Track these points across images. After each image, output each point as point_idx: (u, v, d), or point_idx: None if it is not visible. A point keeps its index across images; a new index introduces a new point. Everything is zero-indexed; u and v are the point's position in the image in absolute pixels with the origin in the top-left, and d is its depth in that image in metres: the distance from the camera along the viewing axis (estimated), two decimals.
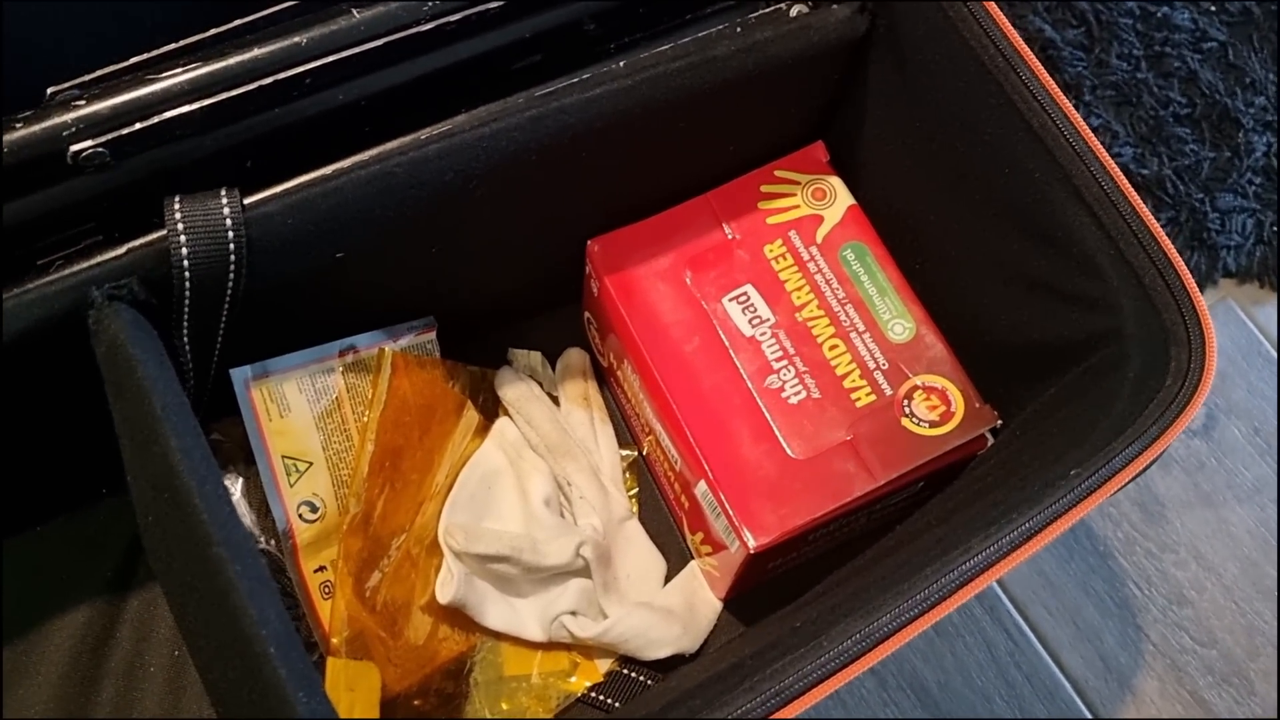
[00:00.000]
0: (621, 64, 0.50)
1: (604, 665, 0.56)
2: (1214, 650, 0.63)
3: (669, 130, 0.51)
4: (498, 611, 0.55)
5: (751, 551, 0.51)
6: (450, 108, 0.51)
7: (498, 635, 0.55)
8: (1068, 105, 0.47)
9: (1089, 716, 0.61)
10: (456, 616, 0.54)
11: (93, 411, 0.45)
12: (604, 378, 0.62)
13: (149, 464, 0.41)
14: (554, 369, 0.62)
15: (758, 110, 0.54)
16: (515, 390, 0.59)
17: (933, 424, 0.53)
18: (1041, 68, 0.48)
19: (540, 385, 0.60)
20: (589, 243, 0.56)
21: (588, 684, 0.55)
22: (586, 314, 0.61)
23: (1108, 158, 0.47)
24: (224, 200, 0.44)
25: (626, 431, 0.61)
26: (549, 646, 0.56)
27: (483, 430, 0.58)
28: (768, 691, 0.38)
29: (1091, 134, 0.47)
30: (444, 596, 0.53)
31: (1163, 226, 0.68)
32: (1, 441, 0.49)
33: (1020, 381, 0.52)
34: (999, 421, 0.53)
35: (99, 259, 0.43)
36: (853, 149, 0.58)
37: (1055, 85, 0.48)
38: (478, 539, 0.54)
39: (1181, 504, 0.66)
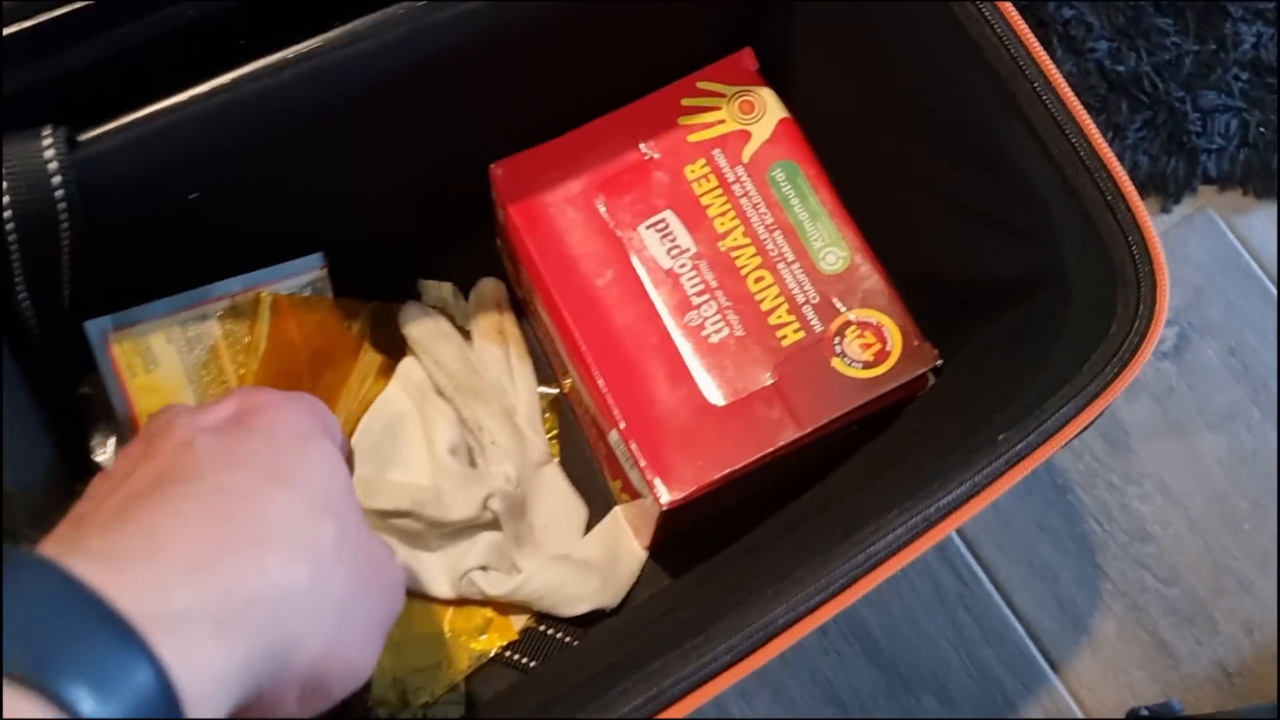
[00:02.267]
0: None
1: (519, 622, 0.52)
2: (1176, 589, 0.59)
3: (573, 41, 0.46)
4: (406, 571, 0.51)
5: (664, 507, 0.47)
6: (325, 24, 0.46)
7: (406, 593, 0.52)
8: (1013, 14, 0.41)
9: (1041, 660, 0.58)
10: None
11: None
12: (522, 310, 0.57)
13: None
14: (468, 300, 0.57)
15: (676, 14, 0.48)
16: (421, 327, 0.54)
17: (866, 364, 0.48)
18: None
19: (453, 319, 0.56)
20: (491, 166, 0.51)
21: (501, 643, 0.52)
22: (499, 242, 0.56)
23: (1055, 72, 0.41)
24: (46, 141, 0.38)
25: (547, 367, 0.57)
26: (460, 603, 0.52)
27: (386, 372, 0.54)
28: (650, 693, 0.34)
29: (1038, 45, 0.42)
30: None
31: (1138, 129, 0.62)
32: None
33: (965, 318, 0.48)
34: (939, 361, 0.49)
35: None
36: (784, 57, 0.52)
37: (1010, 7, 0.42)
38: (376, 492, 0.50)
39: (1148, 432, 0.62)
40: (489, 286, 0.57)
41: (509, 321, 0.57)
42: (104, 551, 0.28)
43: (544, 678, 0.48)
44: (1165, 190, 0.65)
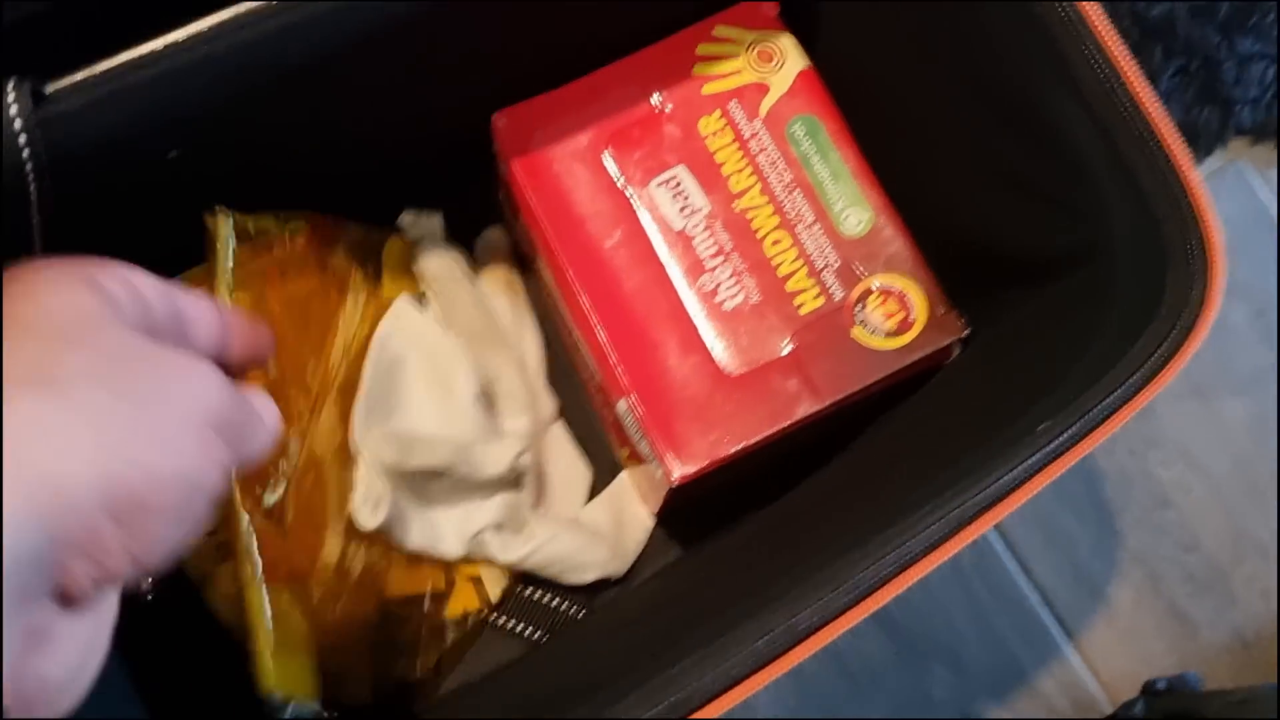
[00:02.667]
0: None
1: (494, 588, 0.50)
2: (1195, 556, 0.57)
3: None
4: (418, 529, 0.48)
5: (674, 482, 0.45)
6: None
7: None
8: None
9: (1056, 629, 0.56)
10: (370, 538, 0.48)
11: None
12: (524, 264, 0.55)
13: None
14: (473, 250, 0.54)
15: None
16: (438, 265, 0.51)
17: (889, 334, 0.46)
18: None
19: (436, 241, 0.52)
20: (494, 116, 0.48)
21: (470, 609, 0.49)
22: (501, 194, 0.53)
23: (1113, 36, 0.38)
24: (9, 95, 0.35)
25: (548, 324, 0.54)
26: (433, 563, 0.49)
27: (373, 303, 0.50)
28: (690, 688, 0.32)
29: (1098, 8, 0.38)
30: (371, 520, 0.46)
31: (1171, 76, 0.59)
32: None
33: (995, 289, 0.45)
34: (966, 331, 0.46)
35: None
36: (808, 3, 0.48)
37: None
38: (411, 450, 0.46)
39: (1171, 396, 0.59)
40: (496, 235, 0.54)
41: (515, 276, 0.54)
42: None
43: (559, 659, 0.46)
44: (1195, 142, 0.62)
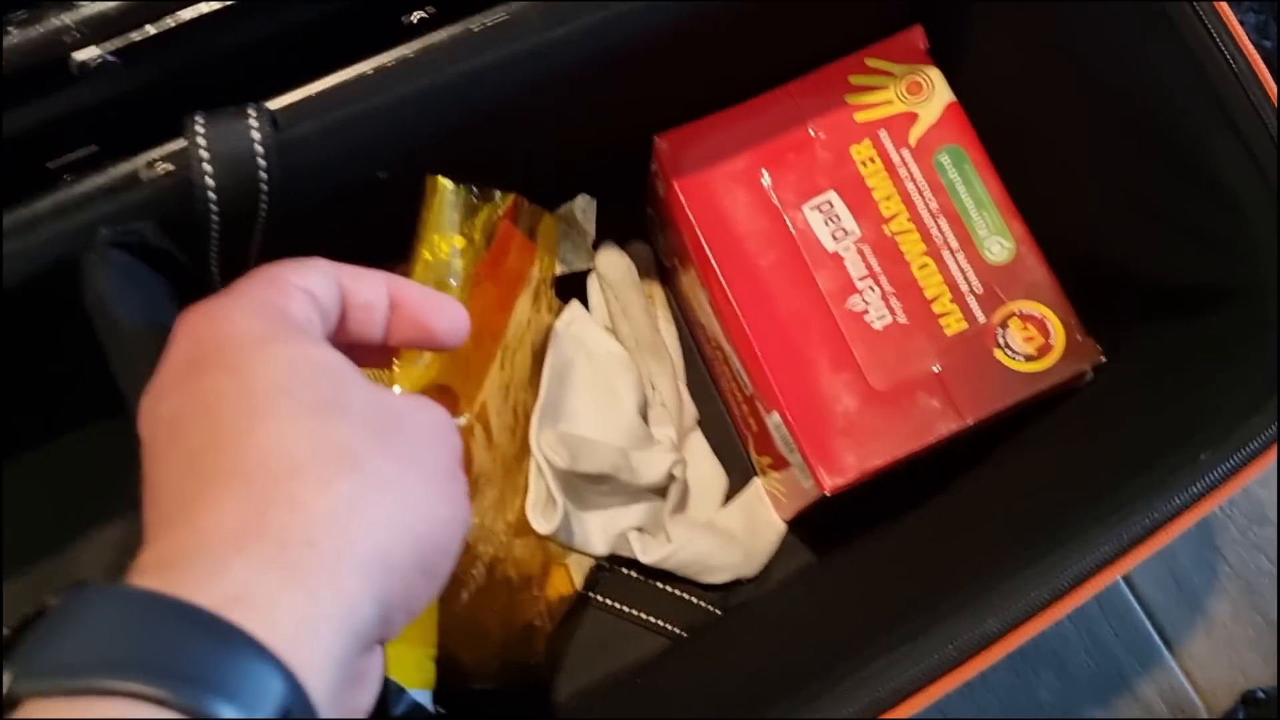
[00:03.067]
0: None
1: (579, 575, 0.52)
2: None
3: (756, 24, 0.45)
4: (570, 528, 0.51)
5: (827, 492, 0.47)
6: None
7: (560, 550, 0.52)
8: (1231, 18, 0.40)
9: (1156, 638, 0.59)
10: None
11: None
12: (665, 277, 0.57)
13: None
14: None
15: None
16: (618, 271, 0.53)
17: (1029, 357, 0.48)
18: None
19: (589, 235, 0.54)
20: (656, 139, 0.50)
21: (565, 593, 0.52)
22: (649, 209, 0.55)
23: (1268, 76, 0.40)
24: (253, 124, 0.38)
25: (689, 336, 0.57)
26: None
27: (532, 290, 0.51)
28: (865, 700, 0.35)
29: (1252, 48, 0.41)
30: (546, 526, 0.48)
31: None
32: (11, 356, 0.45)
33: (1134, 319, 0.47)
34: (1103, 358, 0.49)
35: (116, 192, 0.38)
36: (956, 37, 0.51)
37: None
38: (580, 456, 0.49)
39: None
40: (638, 251, 0.56)
41: (657, 287, 0.56)
42: (157, 562, 0.26)
43: (701, 659, 0.49)
44: None
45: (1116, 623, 0.59)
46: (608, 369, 0.52)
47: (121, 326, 0.35)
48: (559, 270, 0.51)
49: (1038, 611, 0.36)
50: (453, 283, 0.46)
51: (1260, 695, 0.57)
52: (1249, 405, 0.38)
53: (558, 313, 0.52)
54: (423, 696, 0.44)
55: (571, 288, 0.55)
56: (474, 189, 0.46)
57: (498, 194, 0.47)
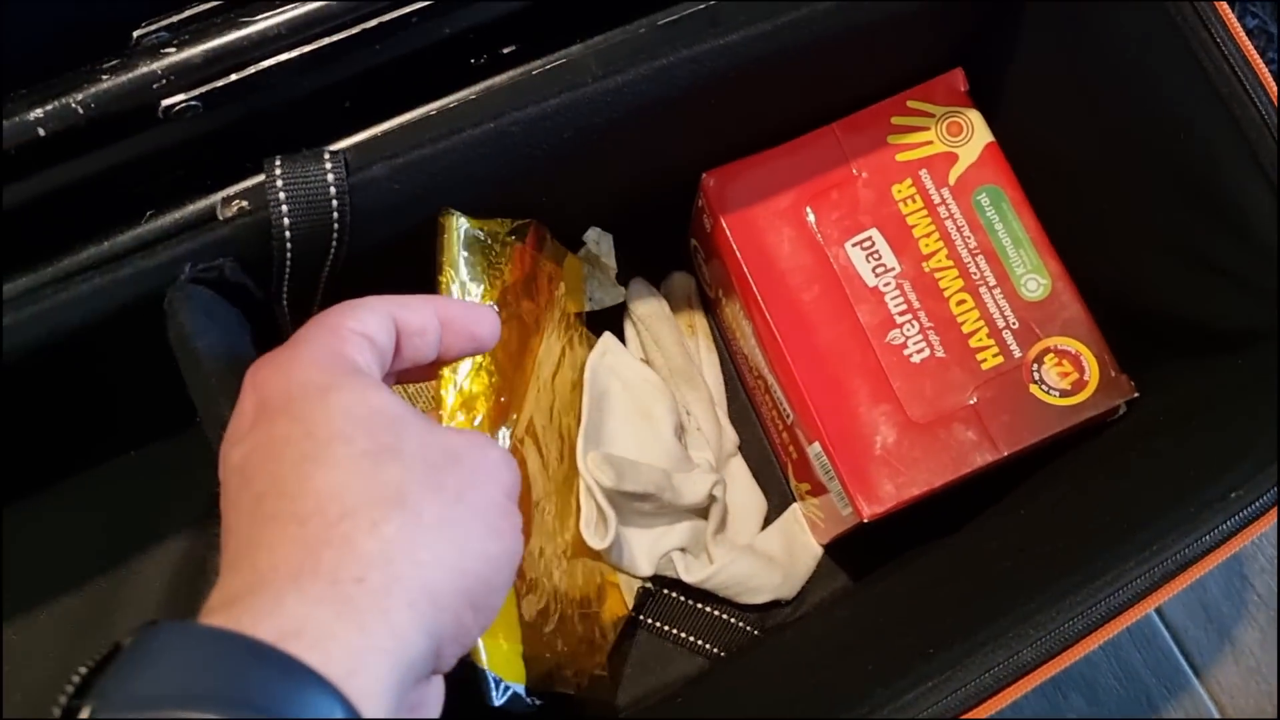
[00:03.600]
0: None
1: (629, 595, 0.54)
2: None
3: (803, 73, 0.47)
4: (617, 548, 0.53)
5: (865, 520, 0.49)
6: (564, 36, 0.47)
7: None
8: (1263, 69, 0.42)
9: (1185, 665, 0.60)
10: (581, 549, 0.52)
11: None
12: (708, 306, 0.59)
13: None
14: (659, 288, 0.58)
15: (899, 43, 0.49)
16: (647, 306, 0.56)
17: (1064, 392, 0.50)
18: (1236, 23, 0.42)
19: (611, 270, 0.55)
20: (704, 176, 0.52)
21: (621, 614, 0.53)
22: (693, 241, 0.57)
23: None
24: (328, 167, 0.40)
25: (729, 364, 0.59)
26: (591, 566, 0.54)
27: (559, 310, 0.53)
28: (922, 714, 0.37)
29: None
30: (600, 542, 0.50)
31: None
32: (85, 389, 0.47)
33: (1167, 357, 0.49)
34: (1135, 394, 0.50)
35: (196, 230, 0.40)
36: (995, 81, 0.52)
37: (1250, 46, 0.42)
38: (624, 475, 0.50)
39: None
40: (681, 281, 0.58)
41: (699, 316, 0.58)
42: (223, 601, 0.28)
43: (741, 680, 0.50)
44: None
45: (1145, 649, 0.60)
46: (643, 395, 0.54)
47: (203, 360, 0.37)
48: (589, 307, 0.53)
49: (1072, 643, 0.37)
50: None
51: None
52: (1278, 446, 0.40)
53: (591, 346, 0.54)
54: (518, 689, 0.46)
55: (605, 323, 0.56)
56: (481, 232, 0.48)
57: (510, 223, 0.49)
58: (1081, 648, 0.37)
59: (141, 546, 0.54)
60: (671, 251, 0.59)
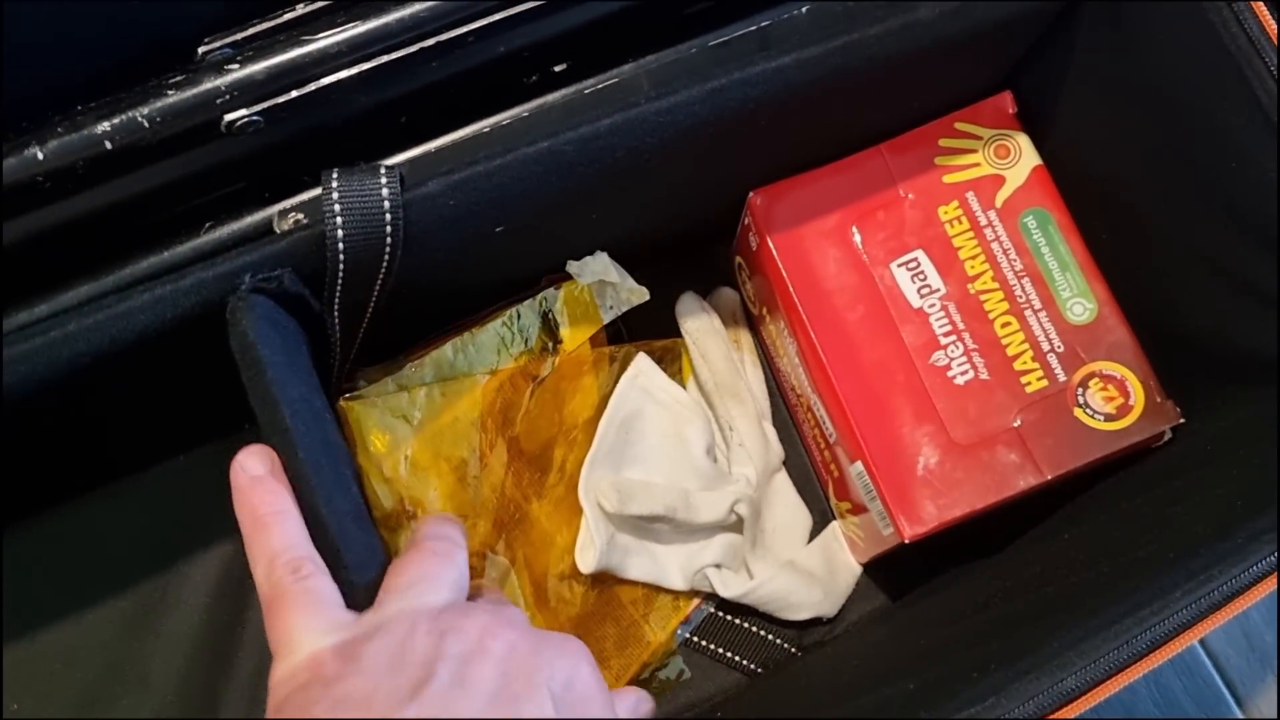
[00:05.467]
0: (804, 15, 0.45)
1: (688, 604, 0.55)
2: None
3: (853, 95, 0.47)
4: (639, 564, 0.53)
5: (906, 540, 0.49)
6: (616, 56, 0.48)
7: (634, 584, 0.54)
8: None
9: (1226, 694, 0.60)
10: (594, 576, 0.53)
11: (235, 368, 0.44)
12: (752, 323, 0.59)
13: (277, 446, 0.40)
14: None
15: (948, 68, 0.49)
16: (696, 322, 0.56)
17: (1108, 416, 0.50)
18: None
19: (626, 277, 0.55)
20: (751, 195, 0.53)
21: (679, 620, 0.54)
22: (738, 259, 0.57)
23: None
24: (383, 181, 0.41)
25: (771, 380, 0.59)
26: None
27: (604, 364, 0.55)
28: None
29: None
30: (586, 565, 0.52)
31: None
32: (144, 395, 0.48)
33: (1210, 382, 0.49)
34: (1181, 420, 0.50)
35: (254, 243, 0.41)
36: (1044, 104, 0.52)
37: None
38: (631, 498, 0.51)
39: None
40: (727, 297, 0.59)
41: (744, 332, 0.59)
42: None
43: (780, 694, 0.51)
44: None
45: (1186, 677, 0.60)
46: (676, 416, 0.54)
47: (266, 367, 0.38)
48: (608, 317, 0.53)
49: (1116, 672, 0.37)
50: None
51: None
52: None
53: (619, 359, 0.55)
54: None
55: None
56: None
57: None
58: (1125, 676, 0.37)
59: (190, 549, 0.55)
60: (716, 268, 0.60)
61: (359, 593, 0.38)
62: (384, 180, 0.41)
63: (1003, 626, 0.43)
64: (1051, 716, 0.37)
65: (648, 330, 0.57)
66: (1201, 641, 0.60)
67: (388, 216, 0.41)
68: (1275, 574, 0.38)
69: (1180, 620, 0.38)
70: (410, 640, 0.35)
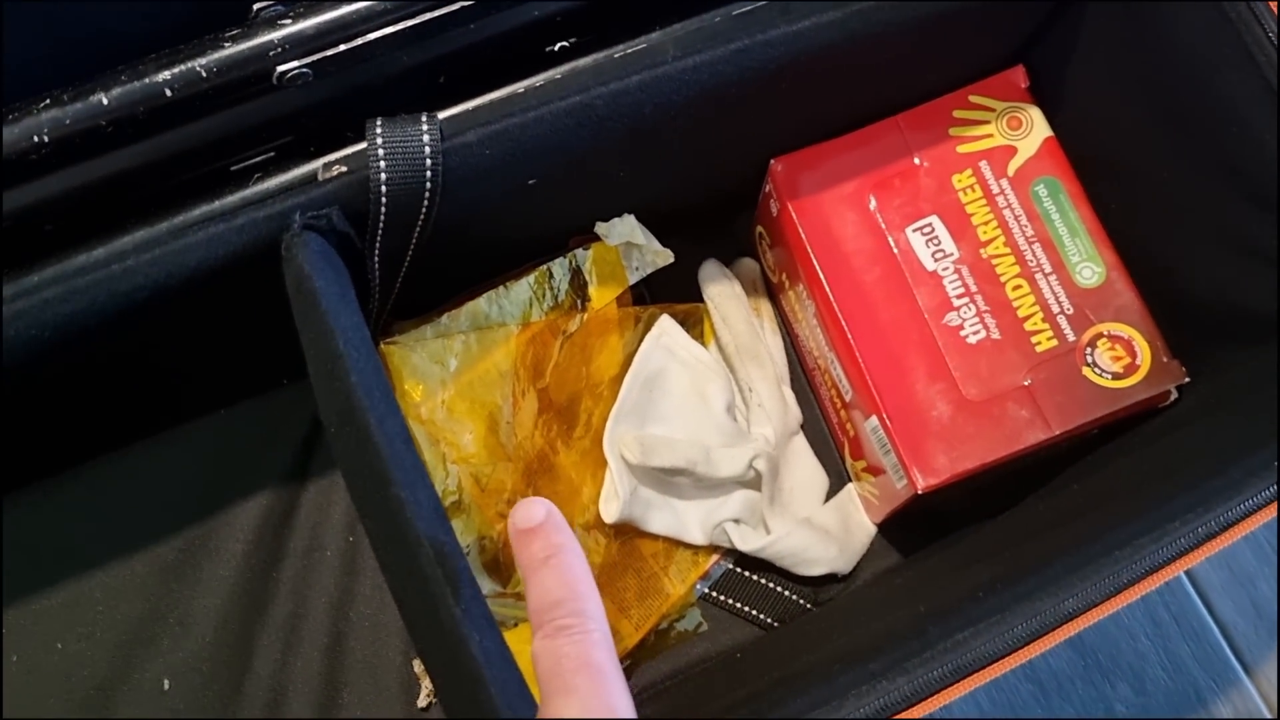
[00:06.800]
0: None
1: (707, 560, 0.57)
2: None
3: (870, 61, 0.49)
4: (660, 517, 0.56)
5: (919, 491, 0.51)
6: (643, 25, 0.50)
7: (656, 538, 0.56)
8: None
9: (1234, 660, 0.61)
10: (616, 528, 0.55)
11: (279, 314, 0.46)
12: (771, 292, 0.62)
13: (332, 395, 0.42)
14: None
15: (961, 40, 0.51)
16: (718, 287, 0.59)
17: (1115, 375, 0.52)
18: None
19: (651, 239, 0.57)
20: (772, 162, 0.55)
21: (699, 573, 0.56)
22: (759, 228, 0.60)
23: None
24: (424, 128, 0.43)
25: (791, 349, 0.61)
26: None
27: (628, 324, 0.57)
28: (948, 665, 0.38)
29: None
30: (609, 515, 0.54)
31: None
32: (192, 339, 0.50)
33: (1215, 342, 0.51)
34: (1187, 379, 0.52)
35: (302, 187, 0.43)
36: (1055, 77, 0.55)
37: None
38: (653, 451, 0.54)
39: None
40: (748, 267, 0.61)
41: (763, 301, 0.61)
42: None
43: (797, 639, 0.52)
44: None
45: (1194, 643, 0.61)
46: (698, 374, 0.56)
47: (320, 299, 0.40)
48: (634, 278, 0.56)
49: (1115, 594, 0.39)
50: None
51: None
52: None
53: (643, 320, 0.57)
54: None
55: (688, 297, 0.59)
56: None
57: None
58: (1124, 598, 0.39)
59: (230, 498, 0.57)
60: (737, 240, 0.62)
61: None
62: (425, 128, 0.43)
63: (1011, 559, 0.45)
64: (1055, 632, 0.39)
65: (670, 297, 0.60)
66: (1209, 608, 0.61)
67: (428, 162, 0.44)
68: (1273, 504, 0.40)
69: (1177, 548, 0.39)
70: None
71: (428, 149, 0.43)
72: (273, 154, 0.49)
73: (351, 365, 0.40)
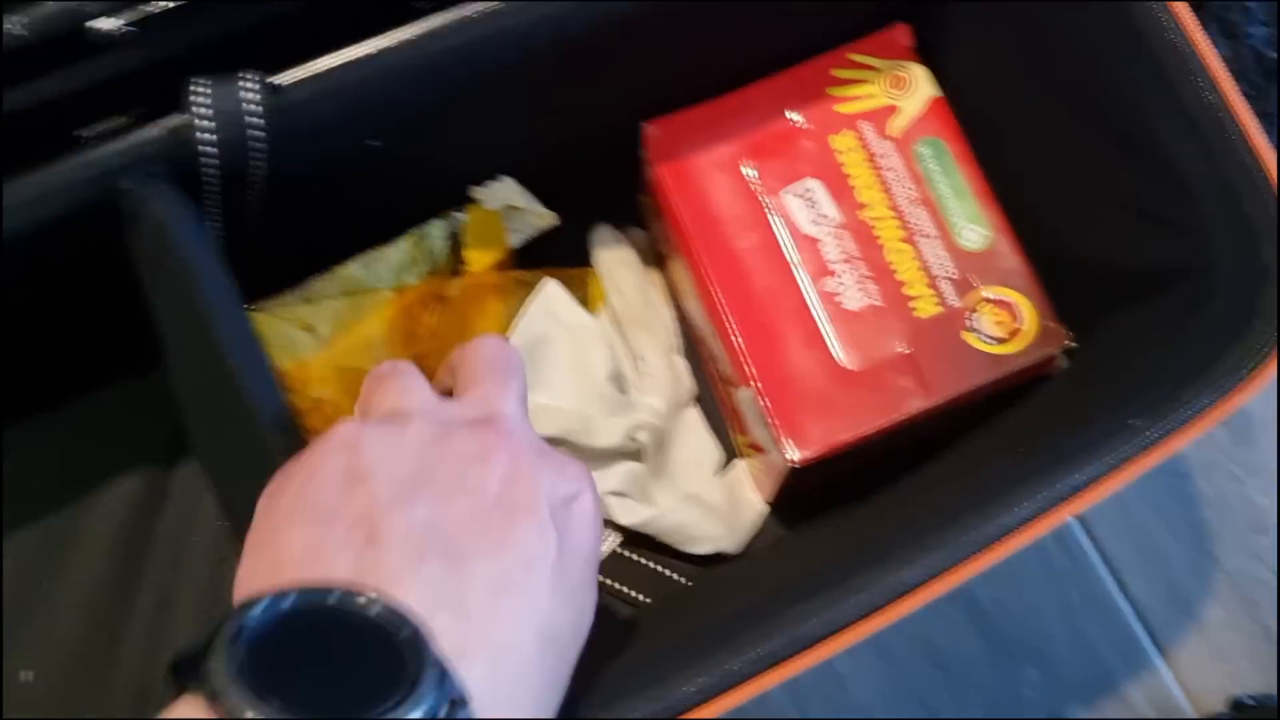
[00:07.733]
0: None
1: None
2: None
3: (744, 19, 0.47)
4: None
5: (793, 465, 0.49)
6: None
7: None
8: (1184, 17, 0.42)
9: (1146, 641, 0.59)
10: None
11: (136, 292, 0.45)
12: (660, 263, 0.59)
13: (191, 345, 0.41)
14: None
15: None
16: (610, 252, 0.57)
17: (999, 340, 0.50)
18: None
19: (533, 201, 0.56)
20: (644, 125, 0.53)
21: None
22: (643, 197, 0.58)
23: (1219, 67, 0.42)
24: (246, 84, 0.42)
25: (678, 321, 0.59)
26: None
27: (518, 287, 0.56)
28: (782, 638, 0.36)
29: (1206, 40, 0.42)
30: None
31: None
32: (37, 318, 0.48)
33: (1103, 304, 0.48)
34: (1072, 344, 0.49)
35: (124, 144, 0.42)
36: (940, 35, 0.53)
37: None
38: (534, 420, 0.52)
39: (1275, 424, 0.62)
40: (638, 239, 0.59)
41: (654, 273, 0.59)
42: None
43: (667, 615, 0.50)
44: None
45: (1105, 623, 0.59)
46: (581, 341, 0.54)
47: (180, 249, 0.39)
48: (516, 242, 0.54)
49: (955, 564, 0.37)
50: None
51: (1249, 701, 0.56)
52: (1184, 378, 0.39)
53: (527, 284, 0.55)
54: None
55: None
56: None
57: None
58: (1017, 539, 0.37)
59: (98, 483, 0.56)
60: (629, 210, 0.60)
61: None
62: (247, 84, 0.42)
63: (888, 529, 0.42)
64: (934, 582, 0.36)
65: (562, 264, 0.57)
66: (1122, 588, 0.59)
67: (252, 119, 0.42)
68: (1124, 467, 0.38)
69: (1068, 488, 0.37)
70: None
71: (251, 105, 0.42)
72: (115, 121, 0.47)
73: (215, 311, 0.40)
